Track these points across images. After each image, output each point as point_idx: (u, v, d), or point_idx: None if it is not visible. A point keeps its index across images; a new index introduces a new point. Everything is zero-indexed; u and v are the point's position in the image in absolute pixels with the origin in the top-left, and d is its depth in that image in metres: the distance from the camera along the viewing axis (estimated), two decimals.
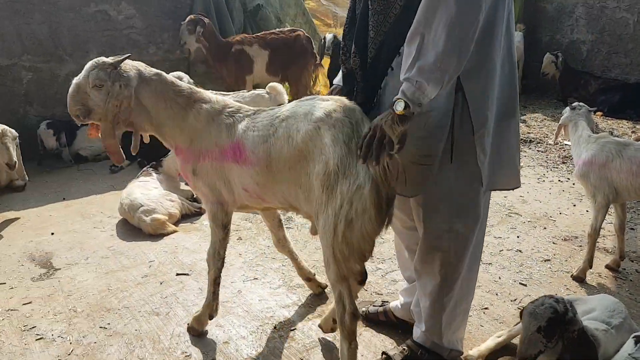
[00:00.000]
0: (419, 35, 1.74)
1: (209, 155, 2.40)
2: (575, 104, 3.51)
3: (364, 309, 2.80)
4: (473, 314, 2.82)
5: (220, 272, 2.64)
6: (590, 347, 1.86)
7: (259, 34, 6.98)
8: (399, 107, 1.75)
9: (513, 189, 2.26)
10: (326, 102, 2.11)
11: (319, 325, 2.69)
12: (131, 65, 2.44)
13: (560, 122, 3.50)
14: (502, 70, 2.03)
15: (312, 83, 7.31)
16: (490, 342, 2.50)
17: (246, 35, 6.93)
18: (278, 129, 2.19)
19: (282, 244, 2.97)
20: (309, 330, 2.74)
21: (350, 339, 2.15)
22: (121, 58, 2.41)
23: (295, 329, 2.76)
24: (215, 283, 2.65)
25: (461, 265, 2.22)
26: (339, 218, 1.97)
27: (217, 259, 2.60)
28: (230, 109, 2.43)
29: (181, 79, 4.60)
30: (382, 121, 1.80)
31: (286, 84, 7.07)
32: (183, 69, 6.30)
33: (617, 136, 5.97)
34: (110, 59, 2.41)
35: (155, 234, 3.90)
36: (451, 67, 1.75)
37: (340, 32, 5.49)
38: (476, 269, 2.34)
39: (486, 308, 2.90)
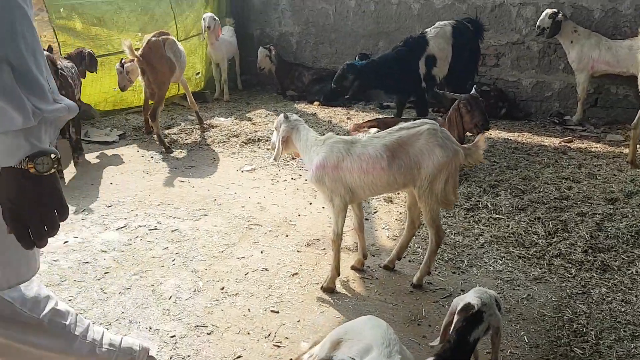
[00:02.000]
0: (5, 61, 1.16)
1: None
2: (287, 114, 3.21)
3: None
4: None
5: None
6: None
7: None
8: (45, 167, 1.23)
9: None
10: None
11: None
12: None
13: (281, 135, 3.11)
14: None
15: None
16: None
17: None
18: None
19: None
20: None
21: None
22: None
23: None
24: None
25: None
26: None
27: None
28: None
29: None
30: (31, 206, 1.23)
31: None
32: None
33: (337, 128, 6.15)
34: None
35: None
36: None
37: None
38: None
39: (239, 357, 2.46)
